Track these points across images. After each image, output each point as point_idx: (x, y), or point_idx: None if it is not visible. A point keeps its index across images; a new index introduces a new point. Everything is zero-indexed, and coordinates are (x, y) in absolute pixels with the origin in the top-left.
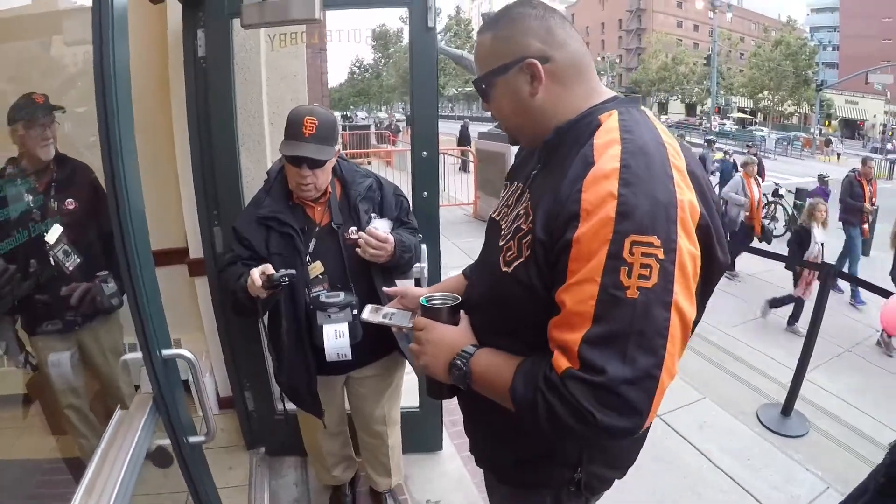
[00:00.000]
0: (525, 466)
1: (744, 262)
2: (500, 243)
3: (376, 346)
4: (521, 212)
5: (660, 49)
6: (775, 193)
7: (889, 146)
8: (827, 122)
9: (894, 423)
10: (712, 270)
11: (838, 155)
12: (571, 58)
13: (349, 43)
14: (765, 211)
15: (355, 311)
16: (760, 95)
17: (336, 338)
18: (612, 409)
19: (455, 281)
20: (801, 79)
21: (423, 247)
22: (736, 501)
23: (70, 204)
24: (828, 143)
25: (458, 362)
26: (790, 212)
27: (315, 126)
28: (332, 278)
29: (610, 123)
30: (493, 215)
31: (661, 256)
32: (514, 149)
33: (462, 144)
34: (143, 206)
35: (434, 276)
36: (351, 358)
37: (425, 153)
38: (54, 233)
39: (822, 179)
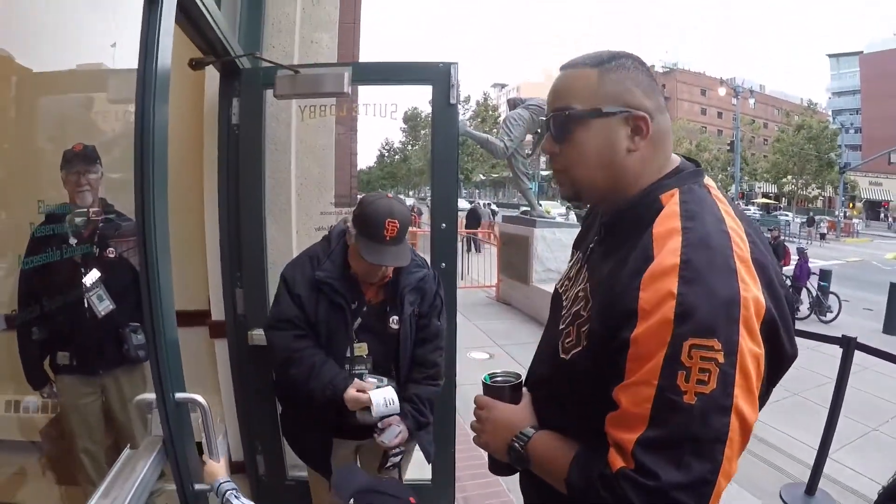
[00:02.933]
0: None
1: None
2: (561, 327)
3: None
4: (581, 294)
5: (684, 136)
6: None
7: None
8: (851, 205)
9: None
10: (779, 365)
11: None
12: (664, 123)
13: (378, 118)
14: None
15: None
16: (784, 180)
17: (385, 405)
18: None
19: None
20: (825, 162)
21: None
22: None
23: (111, 253)
24: (833, 226)
25: (517, 445)
26: (815, 294)
27: (396, 229)
28: (376, 359)
29: (671, 208)
30: (558, 286)
31: (720, 360)
32: (538, 231)
33: (470, 226)
34: (169, 251)
35: (450, 347)
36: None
37: (444, 225)
38: (92, 277)
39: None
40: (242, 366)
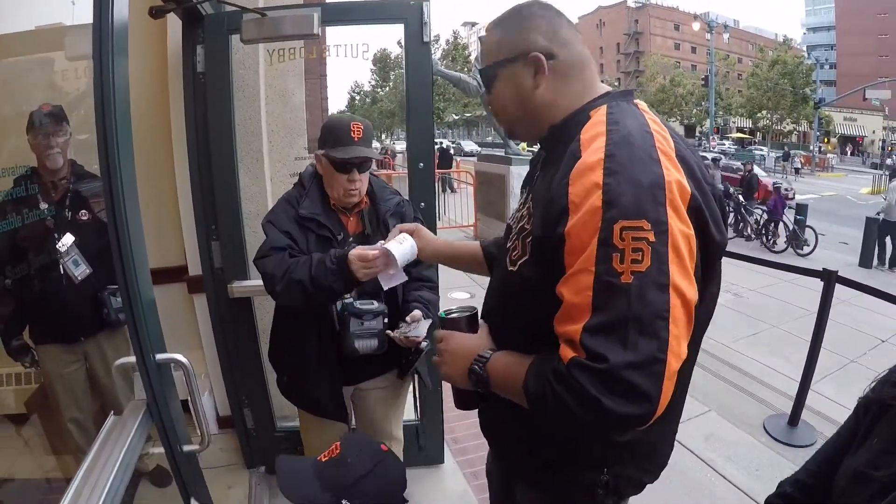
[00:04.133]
0: (552, 470)
1: (747, 277)
2: (508, 245)
3: (388, 357)
4: (525, 213)
5: (657, 72)
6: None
7: (889, 161)
8: (826, 140)
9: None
10: (709, 251)
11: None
12: (574, 57)
13: (349, 59)
14: (765, 229)
15: (386, 320)
16: (759, 115)
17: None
18: (619, 396)
19: (469, 247)
20: (799, 97)
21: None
22: None
23: (84, 215)
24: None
25: (476, 367)
26: (791, 227)
27: (361, 130)
28: (365, 287)
29: (597, 117)
30: (509, 221)
31: (652, 239)
32: (514, 169)
33: (442, 166)
34: (139, 209)
35: None
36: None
37: (422, 164)
38: (66, 242)
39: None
40: (224, 320)
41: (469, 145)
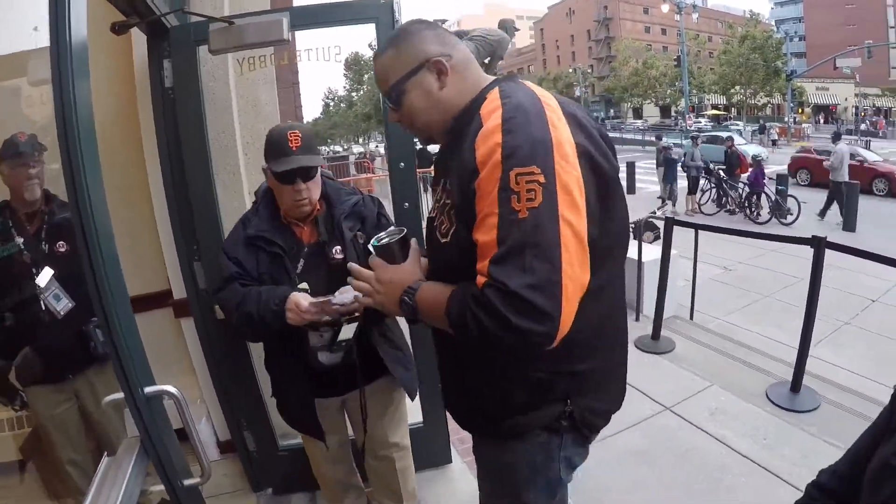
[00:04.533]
0: (516, 411)
1: (733, 250)
2: (433, 224)
3: (372, 365)
4: (441, 191)
5: (629, 56)
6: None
7: (863, 126)
8: (800, 110)
9: None
10: (605, 182)
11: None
12: (462, 56)
13: (321, 63)
14: (747, 201)
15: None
16: (733, 91)
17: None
18: (524, 314)
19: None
20: (771, 70)
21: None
22: (759, 483)
23: (62, 247)
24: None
25: (406, 298)
26: (774, 198)
27: (300, 138)
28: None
29: (492, 96)
30: (429, 214)
31: (542, 181)
32: None
33: (422, 166)
34: (112, 235)
35: None
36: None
37: (403, 164)
38: (45, 277)
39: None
40: (213, 342)
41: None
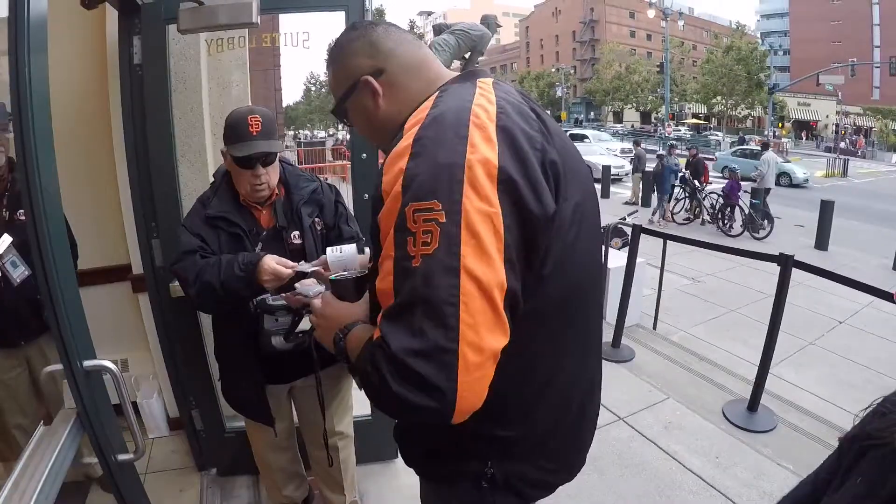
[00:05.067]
0: (435, 458)
1: (703, 261)
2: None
3: (325, 353)
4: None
5: (613, 59)
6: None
7: (842, 144)
8: (780, 125)
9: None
10: (530, 224)
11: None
12: (405, 61)
13: (290, 48)
14: (721, 213)
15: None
16: (714, 101)
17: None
18: (408, 383)
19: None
20: (754, 82)
21: (367, 249)
22: (707, 502)
23: (22, 215)
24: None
25: (339, 336)
26: (747, 211)
27: (260, 123)
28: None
29: (426, 104)
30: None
31: (442, 220)
32: None
33: None
34: (60, 206)
35: None
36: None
37: (364, 155)
38: (3, 243)
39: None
40: (167, 320)
41: None
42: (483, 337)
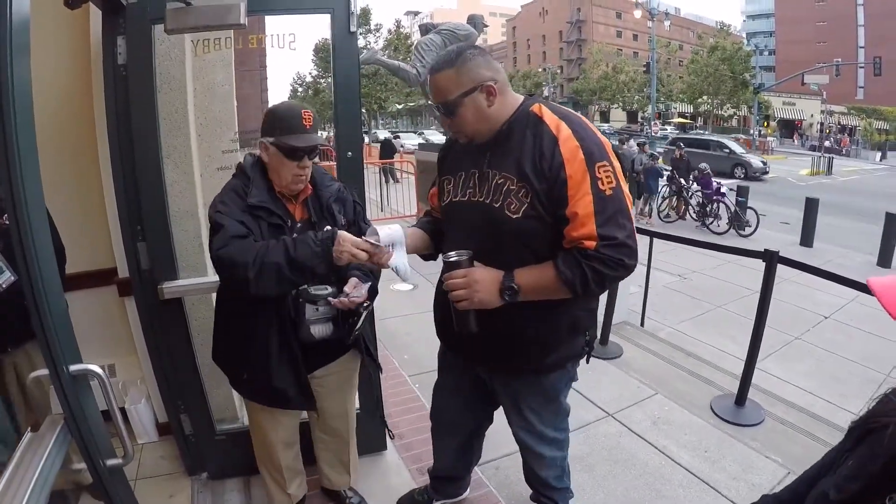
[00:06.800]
0: (552, 349)
1: (690, 259)
2: (496, 205)
3: (340, 342)
4: (500, 181)
5: (600, 59)
6: (717, 192)
7: (826, 143)
8: (766, 124)
9: (848, 404)
10: None
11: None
12: (503, 79)
13: (276, 49)
14: (708, 209)
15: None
16: (700, 100)
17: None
18: (627, 255)
19: (418, 234)
20: (739, 82)
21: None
22: (696, 495)
23: (7, 219)
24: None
25: (510, 284)
26: (733, 209)
27: (312, 118)
28: None
29: (545, 112)
30: (458, 199)
31: (610, 169)
32: None
33: (385, 157)
34: (44, 211)
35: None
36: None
37: (350, 153)
38: None
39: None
40: (154, 323)
41: (411, 139)
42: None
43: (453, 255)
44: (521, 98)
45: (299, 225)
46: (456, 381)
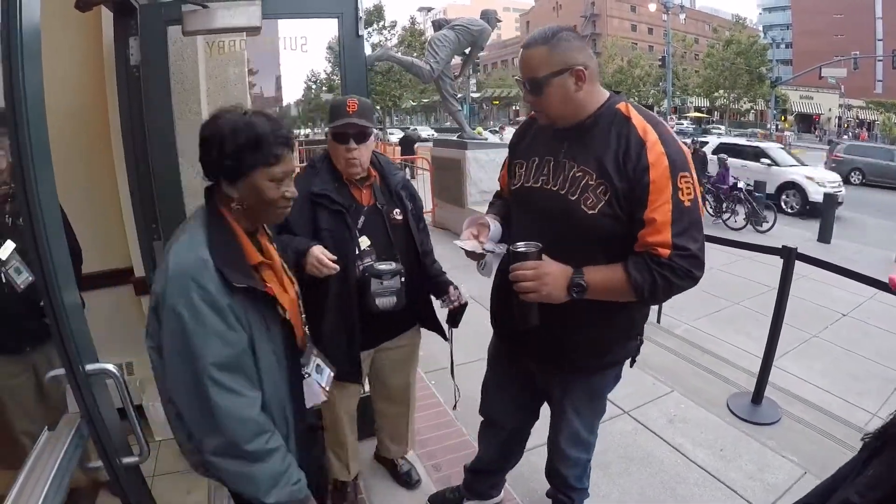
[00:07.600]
0: (606, 350)
1: (706, 254)
2: (571, 198)
3: (408, 315)
4: (578, 174)
5: (615, 53)
6: (734, 188)
7: (845, 137)
8: (783, 118)
9: (866, 403)
10: None
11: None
12: (595, 68)
13: (288, 52)
14: (724, 205)
15: (403, 279)
16: (716, 94)
17: (382, 307)
18: (697, 268)
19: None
20: (756, 76)
21: None
22: (712, 495)
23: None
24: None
25: (579, 281)
26: (750, 205)
27: (356, 105)
28: (379, 251)
29: (633, 112)
30: (530, 184)
31: (690, 182)
32: (470, 153)
33: (406, 153)
34: (58, 211)
35: None
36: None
37: None
38: (6, 249)
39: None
40: None
41: (426, 131)
42: None
43: (521, 246)
44: (607, 93)
45: (366, 208)
46: (505, 374)
